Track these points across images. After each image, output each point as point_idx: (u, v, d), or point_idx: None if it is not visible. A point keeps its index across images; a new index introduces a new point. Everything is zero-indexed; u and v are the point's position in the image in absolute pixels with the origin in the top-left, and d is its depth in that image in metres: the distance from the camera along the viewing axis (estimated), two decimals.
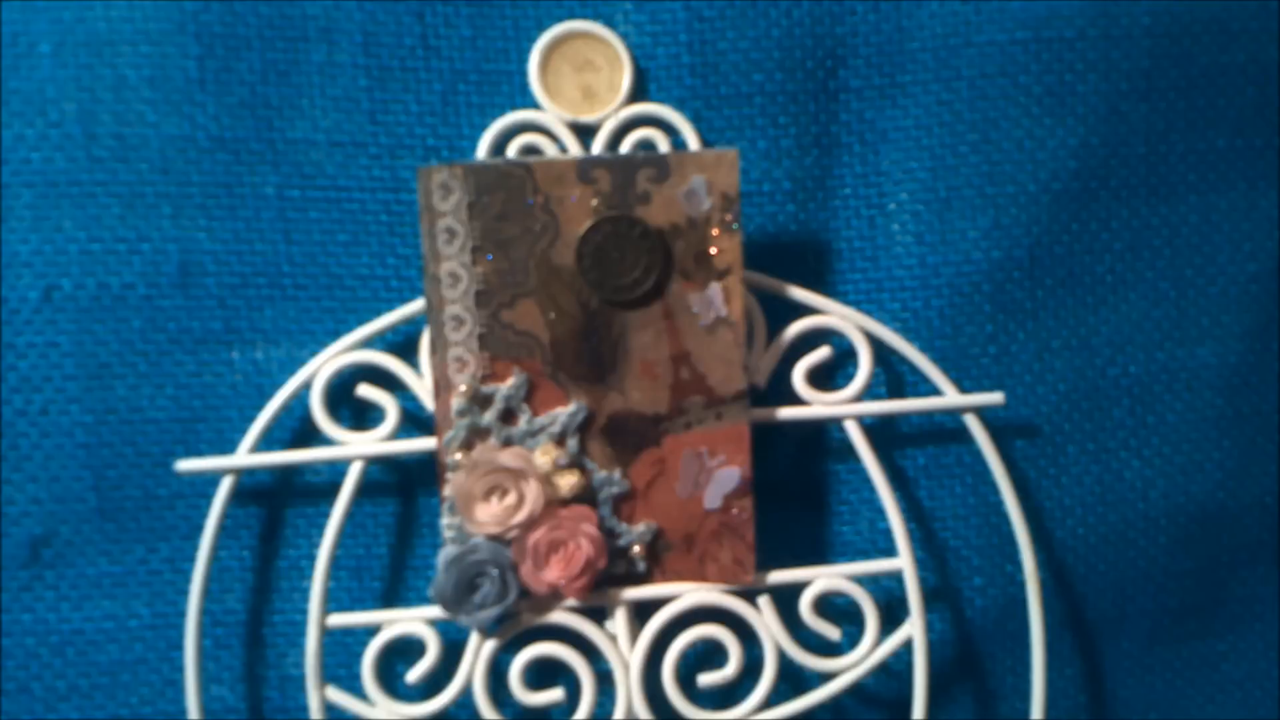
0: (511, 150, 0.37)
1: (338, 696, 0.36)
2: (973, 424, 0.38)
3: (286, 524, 0.38)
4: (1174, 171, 0.39)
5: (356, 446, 0.36)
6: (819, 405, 0.37)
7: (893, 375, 0.39)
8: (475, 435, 0.35)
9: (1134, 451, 0.40)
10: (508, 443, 0.35)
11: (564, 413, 0.35)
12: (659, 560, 0.36)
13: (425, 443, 0.36)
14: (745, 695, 0.37)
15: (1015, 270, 0.39)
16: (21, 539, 0.37)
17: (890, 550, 0.38)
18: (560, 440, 0.35)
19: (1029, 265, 0.39)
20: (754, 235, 0.38)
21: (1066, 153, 0.39)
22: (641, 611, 0.37)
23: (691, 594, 0.36)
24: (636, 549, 0.36)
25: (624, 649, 0.36)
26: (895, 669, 0.39)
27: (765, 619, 0.37)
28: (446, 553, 0.35)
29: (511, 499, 0.35)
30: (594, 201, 0.35)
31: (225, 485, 0.36)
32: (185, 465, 0.36)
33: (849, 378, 0.37)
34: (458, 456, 0.35)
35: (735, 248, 0.35)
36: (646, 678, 0.36)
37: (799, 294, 0.37)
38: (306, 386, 0.36)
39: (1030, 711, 0.38)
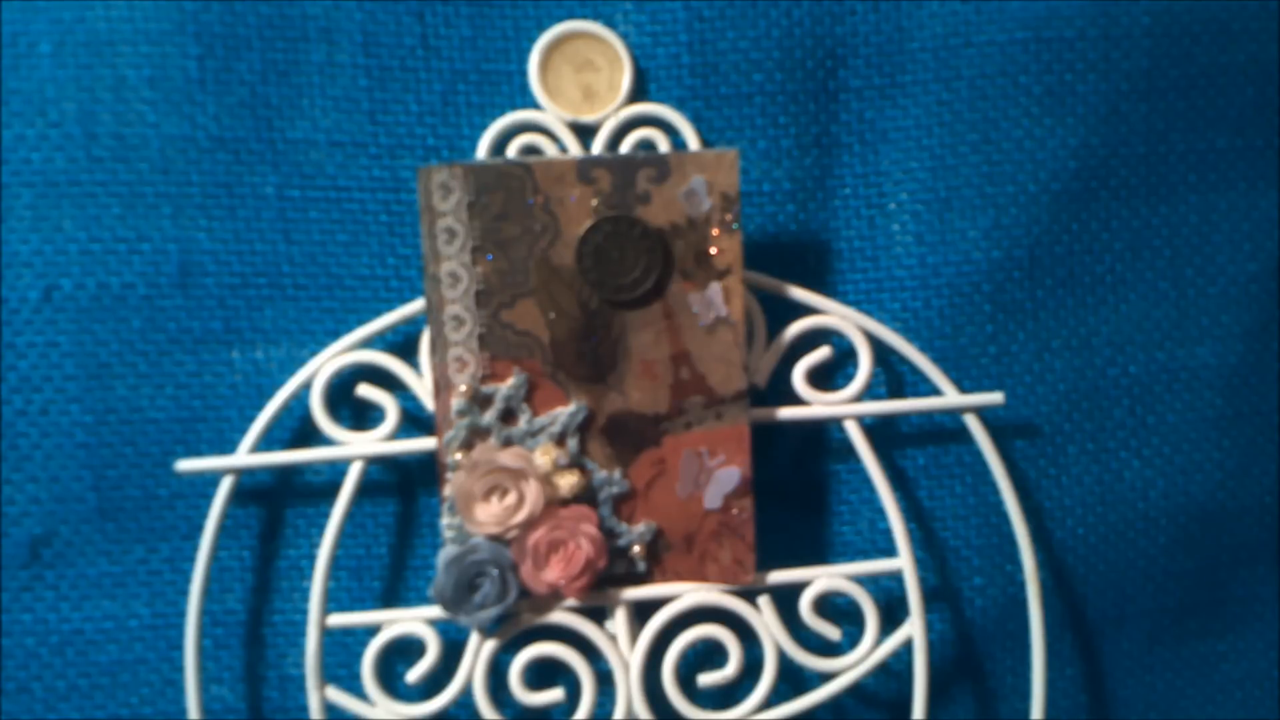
0: (511, 150, 0.37)
1: (338, 696, 0.36)
2: (973, 424, 0.38)
3: (286, 524, 0.38)
4: (1174, 171, 0.39)
5: (356, 446, 0.36)
6: (819, 405, 0.37)
7: (893, 375, 0.39)
8: (475, 435, 0.35)
9: (1134, 451, 0.40)
10: (508, 443, 0.35)
11: (564, 413, 0.35)
12: (659, 560, 0.36)
13: (425, 443, 0.36)
14: (745, 695, 0.37)
15: (1015, 270, 0.39)
16: (21, 539, 0.37)
17: (890, 550, 0.38)
18: (560, 440, 0.35)
19: (1029, 265, 0.39)
20: (754, 235, 0.38)
21: (1066, 153, 0.39)
22: (641, 611, 0.37)
23: (691, 594, 0.36)
24: (636, 549, 0.36)
25: (624, 649, 0.36)
26: (895, 669, 0.39)
27: (765, 619, 0.37)
28: (446, 553, 0.35)
29: (511, 499, 0.35)
30: (594, 201, 0.35)
31: (225, 485, 0.36)
32: (185, 465, 0.36)
33: (849, 378, 0.37)
34: (458, 456, 0.35)
35: (735, 248, 0.35)
36: (646, 678, 0.36)
37: (799, 294, 0.37)
38: (306, 386, 0.36)
39: (1030, 711, 0.38)
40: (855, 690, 0.38)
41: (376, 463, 0.38)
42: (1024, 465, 0.40)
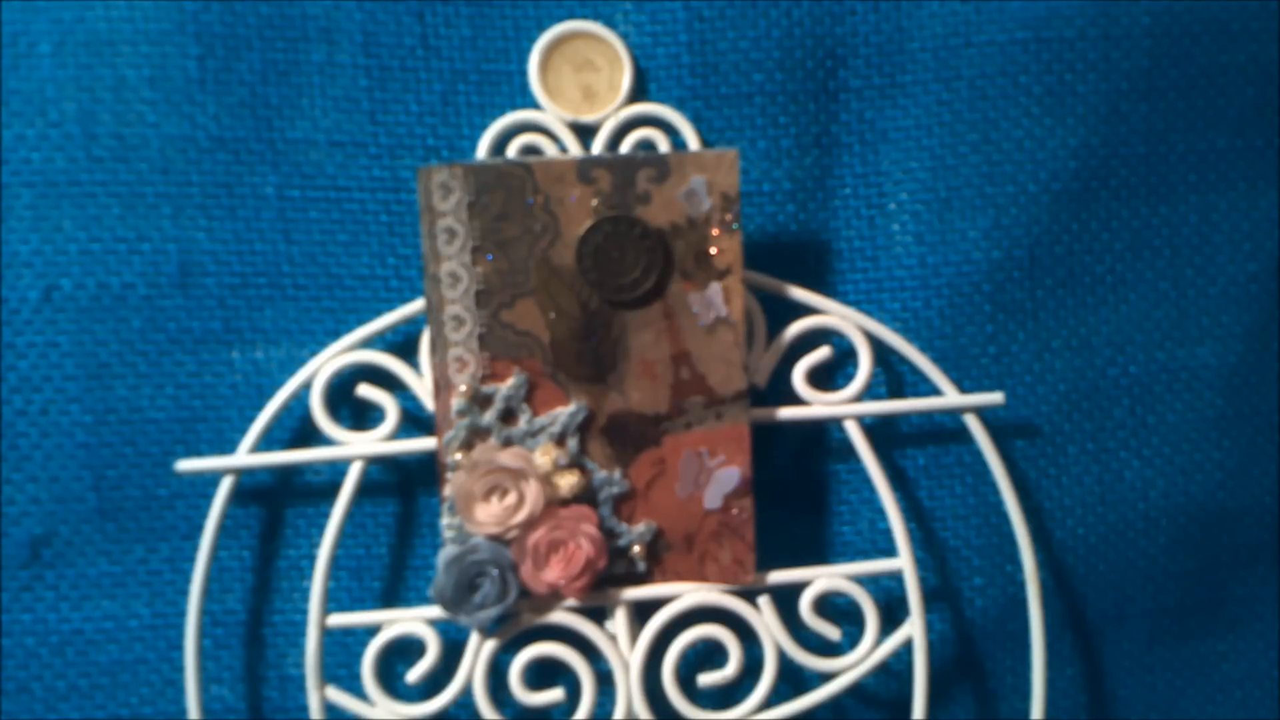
0: (511, 150, 0.37)
1: (338, 696, 0.36)
2: (973, 424, 0.38)
3: (286, 524, 0.38)
4: (1174, 171, 0.39)
5: (356, 446, 0.36)
6: (819, 405, 0.37)
7: (893, 375, 0.39)
8: (475, 435, 0.35)
9: (1134, 451, 0.40)
10: (508, 443, 0.35)
11: (564, 413, 0.35)
12: (659, 560, 0.36)
13: (425, 443, 0.36)
14: (745, 695, 0.37)
15: (1015, 270, 0.39)
16: (21, 539, 0.37)
17: (890, 550, 0.38)
18: (560, 440, 0.35)
19: (1029, 265, 0.39)
20: (754, 235, 0.38)
21: (1066, 153, 0.39)
22: (641, 611, 0.37)
23: (691, 594, 0.36)
24: (636, 549, 0.36)
25: (624, 649, 0.36)
26: (895, 669, 0.39)
27: (765, 619, 0.37)
28: (446, 553, 0.35)
29: (511, 499, 0.35)
30: (594, 201, 0.35)
31: (225, 485, 0.36)
32: (185, 465, 0.36)
33: (849, 378, 0.37)
34: (458, 456, 0.35)
35: (735, 248, 0.35)
36: (646, 678, 0.36)
37: (799, 294, 0.37)
38: (306, 386, 0.36)
39: (1030, 711, 0.38)
40: (855, 690, 0.38)
41: (376, 463, 0.38)
42: (1024, 465, 0.40)
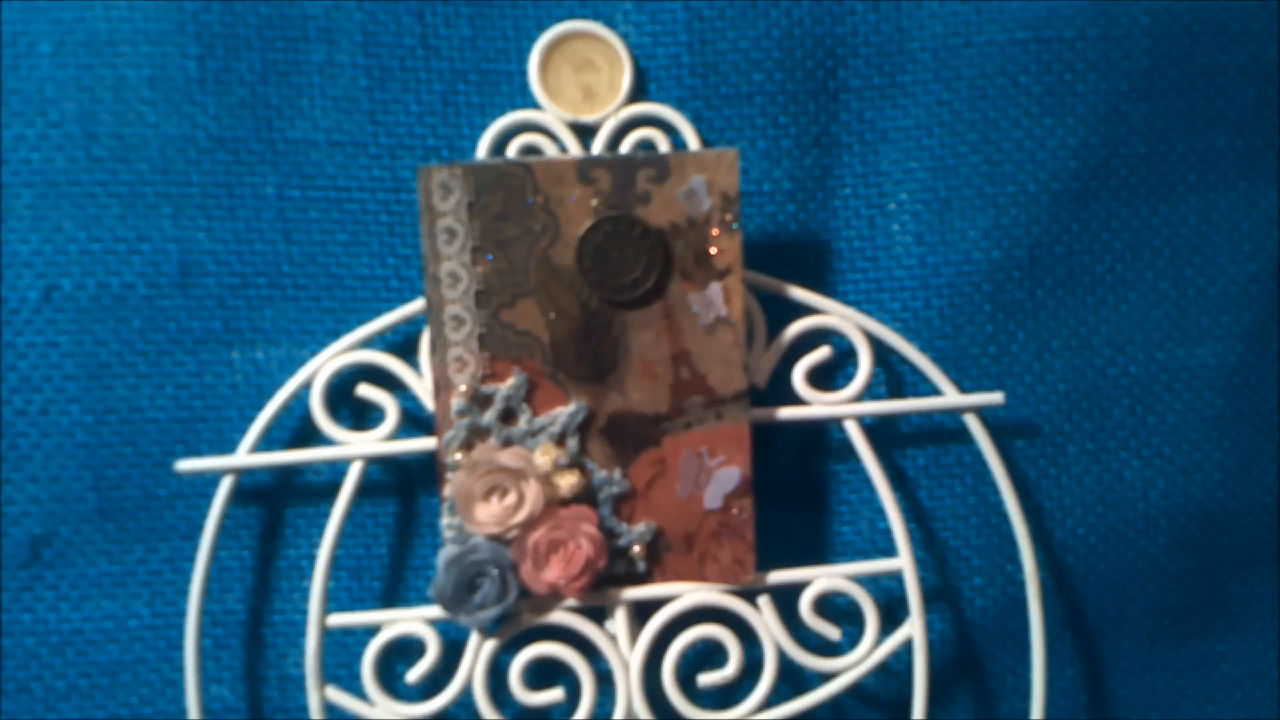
0: (511, 150, 0.37)
1: (338, 696, 0.36)
2: (973, 424, 0.38)
3: (286, 524, 0.38)
4: (1174, 171, 0.39)
5: (356, 446, 0.36)
6: (819, 405, 0.37)
7: (893, 375, 0.39)
8: (475, 435, 0.35)
9: (1134, 451, 0.40)
10: (508, 443, 0.35)
11: (564, 413, 0.35)
12: (659, 560, 0.36)
13: (425, 443, 0.36)
14: (745, 695, 0.37)
15: (1015, 270, 0.39)
16: (21, 539, 0.37)
17: (890, 550, 0.38)
18: (560, 440, 0.35)
19: (1029, 265, 0.39)
20: (754, 235, 0.38)
21: (1066, 153, 0.39)
22: (641, 611, 0.37)
23: (691, 594, 0.36)
24: (636, 549, 0.36)
25: (624, 649, 0.36)
26: (895, 669, 0.39)
27: (765, 619, 0.37)
28: (446, 553, 0.35)
29: (511, 499, 0.35)
30: (594, 201, 0.35)
31: (225, 485, 0.36)
32: (185, 465, 0.36)
33: (849, 378, 0.37)
34: (458, 456, 0.35)
35: (735, 248, 0.35)
36: (646, 678, 0.36)
37: (799, 294, 0.37)
38: (306, 386, 0.36)
39: (1030, 711, 0.38)
40: (855, 690, 0.38)
41: (376, 463, 0.38)
42: (1024, 465, 0.40)
